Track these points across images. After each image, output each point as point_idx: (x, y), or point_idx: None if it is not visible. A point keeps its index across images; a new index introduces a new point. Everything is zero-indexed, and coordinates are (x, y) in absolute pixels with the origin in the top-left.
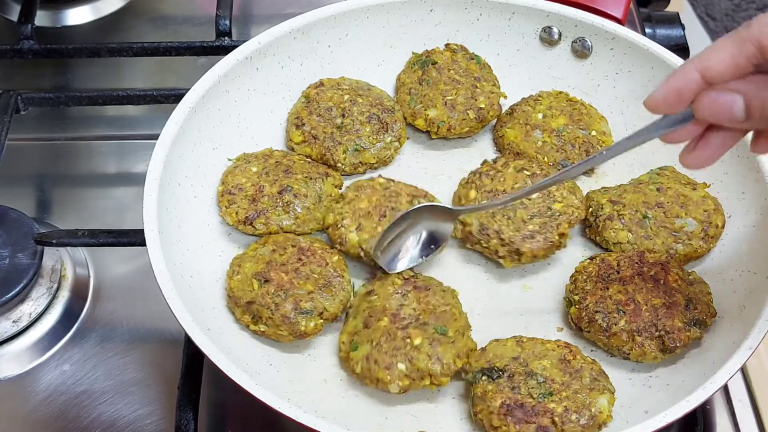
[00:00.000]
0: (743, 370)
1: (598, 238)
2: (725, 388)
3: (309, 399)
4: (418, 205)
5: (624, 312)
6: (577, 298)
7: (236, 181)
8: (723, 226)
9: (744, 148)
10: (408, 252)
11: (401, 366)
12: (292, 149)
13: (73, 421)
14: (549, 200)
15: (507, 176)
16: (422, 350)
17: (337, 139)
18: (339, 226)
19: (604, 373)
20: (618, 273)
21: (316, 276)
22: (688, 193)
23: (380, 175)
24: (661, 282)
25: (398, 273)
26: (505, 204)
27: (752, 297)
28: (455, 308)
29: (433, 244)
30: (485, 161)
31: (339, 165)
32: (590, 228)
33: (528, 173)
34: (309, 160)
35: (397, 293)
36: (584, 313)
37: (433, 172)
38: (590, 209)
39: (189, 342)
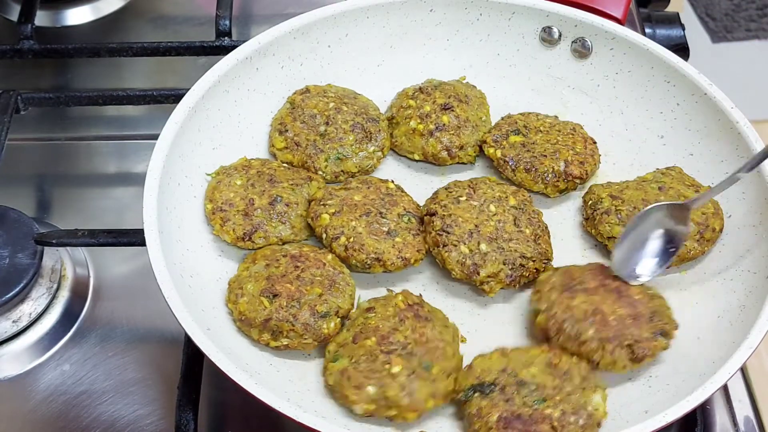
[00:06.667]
0: (743, 370)
1: (593, 231)
2: (725, 388)
3: (309, 399)
4: (647, 207)
5: (593, 321)
6: (543, 307)
7: (224, 196)
8: (721, 230)
9: (744, 149)
10: (647, 260)
11: (371, 389)
12: (274, 155)
13: (73, 421)
14: None
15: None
16: (397, 380)
17: (319, 146)
18: (321, 203)
19: (591, 369)
20: (582, 284)
21: (319, 278)
22: (690, 194)
23: (392, 181)
24: (625, 295)
25: (404, 297)
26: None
27: (752, 297)
28: (450, 347)
29: (671, 246)
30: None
31: (320, 173)
32: (587, 221)
33: None
34: (288, 166)
35: (396, 317)
36: (552, 321)
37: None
38: (590, 202)
39: (189, 342)
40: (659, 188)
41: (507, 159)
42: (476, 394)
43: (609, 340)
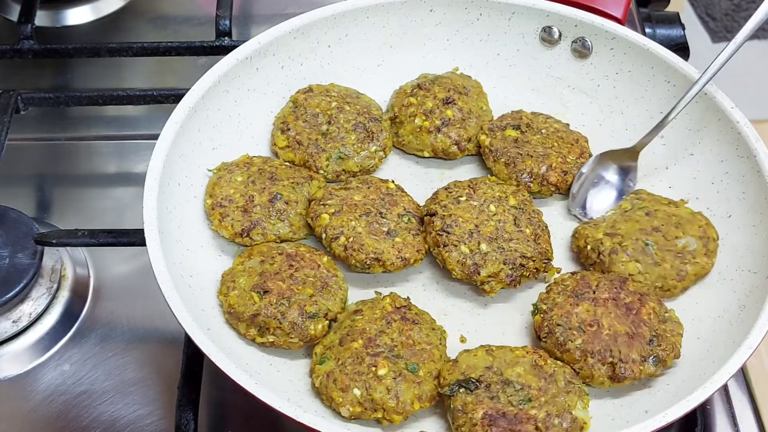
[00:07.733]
0: (743, 370)
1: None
2: (725, 388)
3: (309, 399)
4: (599, 154)
5: (584, 331)
6: (545, 307)
7: (224, 192)
8: (718, 238)
9: (744, 148)
10: (599, 196)
11: (357, 392)
12: (276, 153)
13: (73, 421)
14: None
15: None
16: (383, 382)
17: (321, 145)
18: (321, 202)
19: (576, 374)
20: (594, 293)
21: (312, 279)
22: (676, 211)
23: (393, 181)
24: (634, 312)
25: (391, 300)
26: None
27: (752, 297)
28: (437, 349)
29: (622, 185)
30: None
31: (321, 171)
32: (594, 266)
33: None
34: (290, 164)
35: (383, 319)
36: (546, 323)
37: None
38: (588, 246)
39: (189, 342)
40: (646, 214)
41: (492, 148)
42: (461, 390)
43: (592, 354)
